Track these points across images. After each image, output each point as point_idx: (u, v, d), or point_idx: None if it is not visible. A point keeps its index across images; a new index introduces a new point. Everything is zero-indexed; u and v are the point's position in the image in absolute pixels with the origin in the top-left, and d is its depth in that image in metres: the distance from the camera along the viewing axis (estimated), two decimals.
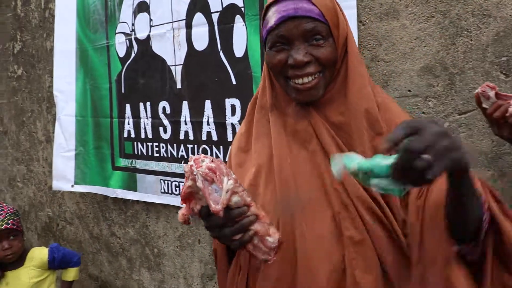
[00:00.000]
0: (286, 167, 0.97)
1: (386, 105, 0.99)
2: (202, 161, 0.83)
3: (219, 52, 1.98)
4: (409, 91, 1.51)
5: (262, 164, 1.01)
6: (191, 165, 0.82)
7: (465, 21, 1.38)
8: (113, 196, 2.55)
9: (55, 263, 2.13)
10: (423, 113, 1.49)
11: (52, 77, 3.00)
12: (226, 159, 1.18)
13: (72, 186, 2.71)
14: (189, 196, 0.86)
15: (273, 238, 0.85)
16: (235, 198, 0.83)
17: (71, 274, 2.20)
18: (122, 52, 2.42)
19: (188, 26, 2.09)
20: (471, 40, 1.38)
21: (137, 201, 2.50)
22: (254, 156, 1.04)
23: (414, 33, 1.48)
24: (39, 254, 2.13)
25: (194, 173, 0.81)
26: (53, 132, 3.04)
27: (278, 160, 0.98)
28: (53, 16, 2.92)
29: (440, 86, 1.45)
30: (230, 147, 1.17)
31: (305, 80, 0.92)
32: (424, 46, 1.46)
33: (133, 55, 2.37)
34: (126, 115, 2.44)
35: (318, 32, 0.90)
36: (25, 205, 3.53)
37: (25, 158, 3.43)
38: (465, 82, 1.40)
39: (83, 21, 2.61)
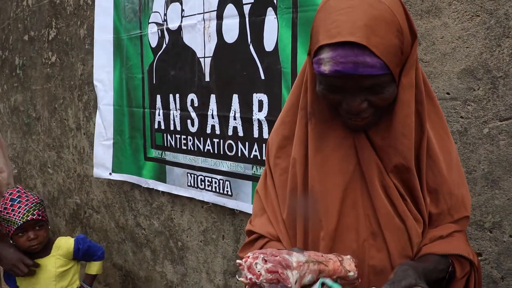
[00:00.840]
0: (318, 185, 0.95)
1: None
2: (256, 265, 0.78)
3: (249, 45, 1.93)
4: (448, 94, 1.43)
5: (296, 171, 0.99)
6: (250, 278, 0.78)
7: None
8: (145, 186, 2.56)
9: (80, 254, 2.13)
10: (461, 117, 1.41)
11: (84, 65, 3.03)
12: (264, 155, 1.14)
13: (110, 174, 2.78)
14: None
15: (352, 271, 0.87)
16: (308, 279, 0.82)
17: (94, 267, 2.21)
18: (154, 43, 2.41)
19: (219, 17, 2.05)
20: None
21: (163, 193, 2.50)
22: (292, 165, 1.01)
23: (457, 32, 1.39)
24: (65, 243, 2.13)
25: (258, 283, 0.78)
26: (84, 120, 3.09)
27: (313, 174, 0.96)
28: (87, 4, 2.93)
29: (481, 90, 1.36)
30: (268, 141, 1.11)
31: (358, 120, 0.87)
32: (467, 47, 1.38)
33: (164, 45, 2.35)
34: (157, 106, 2.43)
35: (379, 86, 0.82)
36: (55, 191, 3.60)
37: (55, 145, 3.49)
38: (509, 87, 1.31)
39: (119, 10, 2.61)
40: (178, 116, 2.30)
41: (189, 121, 2.25)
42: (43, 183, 3.76)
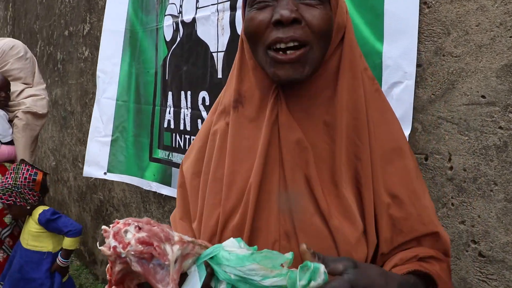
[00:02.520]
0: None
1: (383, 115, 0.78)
2: (126, 232, 0.59)
3: None
4: (483, 97, 1.12)
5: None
6: (114, 247, 0.59)
7: None
8: (147, 188, 2.39)
9: (43, 224, 2.23)
10: (500, 128, 1.09)
11: None
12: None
13: (105, 173, 2.57)
14: (123, 279, 0.63)
15: None
16: (188, 262, 0.62)
17: (66, 242, 2.26)
18: (168, 36, 2.24)
19: (233, 8, 1.83)
20: None
21: (174, 197, 2.33)
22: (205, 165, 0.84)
23: (497, 18, 1.08)
24: (36, 212, 2.26)
25: (123, 255, 0.58)
26: None
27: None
28: None
29: None
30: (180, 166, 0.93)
31: (289, 47, 0.69)
32: (510, 36, 1.06)
33: (178, 39, 2.17)
34: (168, 103, 2.25)
35: None
36: (83, 185, 3.57)
37: (86, 140, 3.43)
38: None
39: (136, 2, 2.46)
40: (189, 115, 2.11)
41: (199, 121, 2.05)
42: (74, 177, 3.75)
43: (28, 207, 2.23)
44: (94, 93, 3.22)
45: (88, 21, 3.31)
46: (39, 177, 2.27)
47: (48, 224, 2.22)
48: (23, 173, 2.22)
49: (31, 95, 2.68)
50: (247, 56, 0.78)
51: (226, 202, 0.75)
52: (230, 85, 0.81)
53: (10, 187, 2.18)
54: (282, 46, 0.68)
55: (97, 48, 3.15)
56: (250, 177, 0.73)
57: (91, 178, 3.39)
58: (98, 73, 2.60)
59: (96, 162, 2.58)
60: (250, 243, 0.71)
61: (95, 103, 2.61)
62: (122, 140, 2.50)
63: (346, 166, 0.72)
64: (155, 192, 2.51)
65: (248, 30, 0.73)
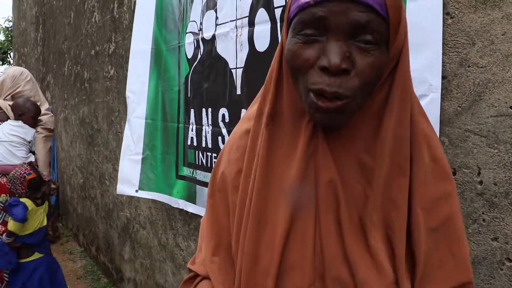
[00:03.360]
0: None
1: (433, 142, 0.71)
2: None
3: None
4: None
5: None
6: None
7: None
8: (175, 206, 2.40)
9: (8, 208, 2.72)
10: None
11: None
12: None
13: (136, 191, 2.60)
14: None
15: None
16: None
17: (10, 223, 2.68)
18: (190, 53, 2.26)
19: (251, 24, 1.84)
20: None
21: (199, 215, 2.33)
22: (242, 182, 0.76)
23: None
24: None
25: None
26: None
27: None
28: None
29: None
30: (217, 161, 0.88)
31: (331, 101, 0.62)
32: None
33: (199, 56, 2.19)
34: (191, 121, 2.27)
35: (372, 31, 0.60)
36: (110, 203, 3.61)
37: (112, 157, 3.50)
38: None
39: (160, 21, 2.50)
40: (210, 132, 2.11)
41: (220, 138, 2.05)
42: (101, 194, 3.80)
43: (16, 195, 2.75)
44: (119, 111, 3.28)
45: (113, 40, 3.39)
46: (29, 177, 2.74)
47: (8, 208, 2.73)
48: (22, 170, 2.76)
49: (44, 114, 3.30)
50: (285, 74, 0.72)
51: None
52: (266, 94, 0.74)
53: (11, 176, 2.77)
54: (322, 100, 0.62)
55: (122, 66, 3.22)
56: (282, 216, 0.69)
57: (117, 196, 3.43)
58: (127, 93, 2.66)
59: (128, 180, 2.63)
60: (280, 283, 0.68)
61: (126, 122, 2.67)
62: (152, 158, 2.53)
63: (378, 210, 0.67)
64: (180, 210, 2.51)
65: (289, 64, 0.66)
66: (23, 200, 2.73)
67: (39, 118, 3.24)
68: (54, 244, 4.58)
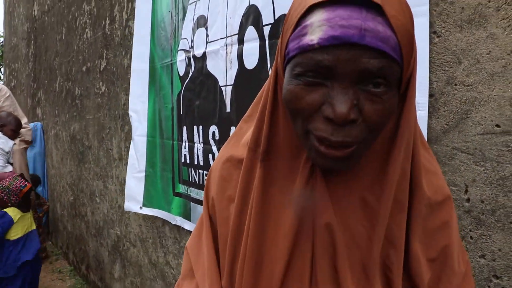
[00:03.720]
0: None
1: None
2: None
3: (269, 71, 1.70)
4: (498, 126, 1.08)
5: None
6: None
7: None
8: (174, 223, 2.39)
9: None
10: None
11: (127, 95, 2.98)
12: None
13: (141, 208, 2.64)
14: None
15: None
16: None
17: None
18: (182, 71, 2.27)
19: (240, 41, 1.85)
20: None
21: (190, 232, 2.31)
22: (236, 215, 0.71)
23: (508, 45, 1.05)
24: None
25: None
26: (125, 150, 3.02)
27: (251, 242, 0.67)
28: (131, 34, 2.90)
29: None
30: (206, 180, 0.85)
31: (337, 149, 0.56)
32: None
33: (190, 73, 2.20)
34: (183, 138, 2.27)
35: (384, 76, 0.53)
36: (100, 220, 3.57)
37: (102, 174, 3.48)
38: None
39: (155, 39, 2.52)
40: (201, 149, 2.11)
41: (210, 156, 2.05)
42: (92, 211, 3.76)
43: (9, 205, 2.92)
44: (110, 128, 3.27)
45: (104, 57, 3.39)
46: (25, 189, 2.96)
47: None
48: (17, 182, 2.95)
49: (23, 127, 3.59)
50: (281, 107, 0.64)
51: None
52: (260, 127, 0.67)
53: (5, 187, 2.91)
54: (328, 148, 0.56)
55: (113, 83, 3.22)
56: (278, 261, 0.65)
57: (108, 213, 3.40)
58: (130, 112, 2.70)
59: (134, 197, 2.67)
60: None
61: (131, 141, 2.71)
62: (153, 175, 2.56)
63: (377, 261, 0.63)
64: (171, 228, 2.50)
65: (288, 106, 0.58)
66: (10, 210, 2.88)
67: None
68: (43, 263, 4.50)
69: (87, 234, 3.95)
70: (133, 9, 2.84)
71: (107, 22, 3.35)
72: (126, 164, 3.03)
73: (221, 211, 0.75)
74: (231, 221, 0.71)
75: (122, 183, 3.10)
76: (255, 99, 0.75)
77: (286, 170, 0.66)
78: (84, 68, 3.88)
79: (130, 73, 2.91)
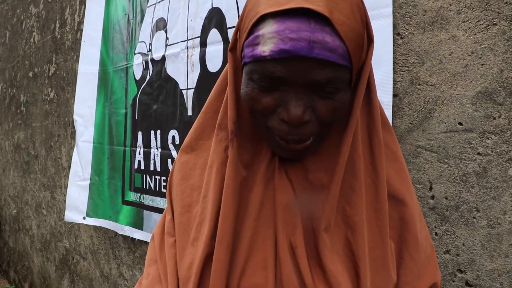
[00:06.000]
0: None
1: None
2: None
3: None
4: (460, 124, 1.12)
5: (207, 218, 0.67)
6: None
7: None
8: (121, 233, 2.29)
9: None
10: (479, 154, 1.09)
11: None
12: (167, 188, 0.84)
13: (84, 218, 2.49)
14: None
15: None
16: None
17: None
18: (138, 74, 2.21)
19: (203, 44, 1.83)
20: None
21: (145, 242, 2.22)
22: (201, 200, 0.70)
23: (469, 46, 1.10)
24: None
25: None
26: None
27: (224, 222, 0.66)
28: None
29: (503, 117, 1.05)
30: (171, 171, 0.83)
31: (294, 142, 0.61)
32: (482, 64, 1.08)
33: (148, 77, 2.14)
34: (138, 144, 2.19)
35: (335, 83, 0.56)
36: (47, 233, 3.38)
37: (50, 185, 3.30)
38: None
39: (107, 41, 2.44)
40: (159, 155, 2.05)
41: (169, 160, 1.99)
42: (38, 224, 3.56)
43: None
44: (60, 136, 3.12)
45: (54, 62, 3.25)
46: None
47: None
48: None
49: None
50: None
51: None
52: (225, 108, 0.69)
53: None
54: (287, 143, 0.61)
55: (63, 89, 3.08)
56: (245, 240, 0.65)
57: (56, 225, 3.23)
58: (75, 117, 2.56)
59: (76, 207, 2.51)
60: None
61: (74, 147, 2.55)
62: (99, 183, 2.43)
63: (336, 235, 0.64)
64: (125, 238, 2.40)
65: (246, 104, 0.62)
66: None
67: None
68: None
69: (32, 249, 3.73)
70: None
71: (57, 25, 3.22)
72: None
73: (184, 199, 0.74)
74: (199, 203, 0.70)
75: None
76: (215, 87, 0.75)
77: (251, 152, 0.68)
78: (30, 74, 3.70)
79: None
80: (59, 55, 3.18)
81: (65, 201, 3.06)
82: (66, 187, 3.03)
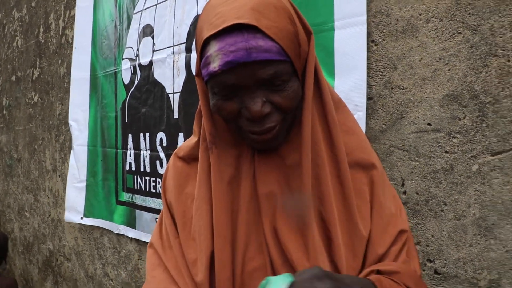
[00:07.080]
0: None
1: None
2: None
3: None
4: (429, 124, 1.22)
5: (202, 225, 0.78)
6: None
7: (501, 37, 1.09)
8: (116, 232, 2.35)
9: None
10: (446, 152, 1.19)
11: (63, 105, 2.90)
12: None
13: (82, 218, 2.58)
14: None
15: None
16: None
17: None
18: (127, 79, 2.27)
19: (188, 50, 1.90)
20: (509, 61, 1.08)
21: (131, 241, 2.27)
22: (195, 214, 0.80)
23: (437, 53, 1.20)
24: None
25: None
26: (60, 161, 2.92)
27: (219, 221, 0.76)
28: (68, 42, 2.84)
29: (468, 118, 1.15)
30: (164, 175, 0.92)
31: (264, 133, 0.70)
32: (449, 69, 1.18)
33: (136, 82, 2.20)
34: (128, 146, 2.26)
35: (279, 76, 0.66)
36: (30, 236, 3.38)
37: (33, 187, 3.31)
38: (500, 114, 1.10)
39: (96, 47, 2.50)
40: (148, 156, 2.11)
41: (158, 162, 2.05)
42: (20, 227, 3.55)
43: None
44: (43, 139, 3.14)
45: (38, 66, 3.27)
46: None
47: None
48: None
49: None
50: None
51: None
52: (199, 121, 0.80)
53: None
54: (257, 134, 0.70)
55: (47, 92, 3.11)
56: (241, 231, 0.75)
57: (39, 227, 3.24)
58: (70, 121, 2.64)
59: (74, 208, 2.59)
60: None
61: (71, 151, 2.62)
62: (94, 184, 2.51)
63: (312, 212, 0.73)
64: (110, 238, 2.44)
65: (216, 114, 0.71)
66: None
67: None
68: None
69: (14, 252, 3.71)
70: (71, 17, 2.79)
71: (41, 30, 3.25)
72: (60, 176, 2.92)
73: (179, 205, 0.83)
74: (195, 207, 0.79)
75: (56, 195, 2.98)
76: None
77: (235, 154, 0.77)
78: (13, 78, 3.70)
79: (66, 82, 2.84)
80: (43, 60, 3.21)
81: (49, 203, 3.09)
82: (50, 190, 3.05)
